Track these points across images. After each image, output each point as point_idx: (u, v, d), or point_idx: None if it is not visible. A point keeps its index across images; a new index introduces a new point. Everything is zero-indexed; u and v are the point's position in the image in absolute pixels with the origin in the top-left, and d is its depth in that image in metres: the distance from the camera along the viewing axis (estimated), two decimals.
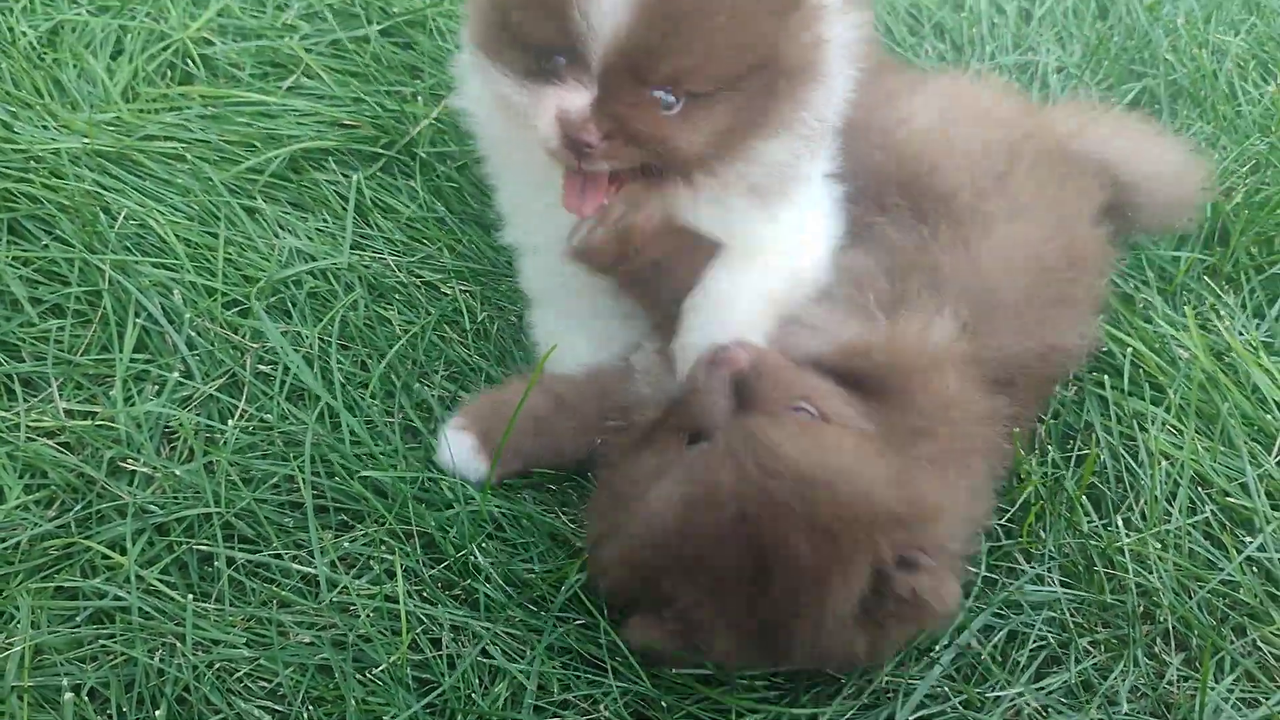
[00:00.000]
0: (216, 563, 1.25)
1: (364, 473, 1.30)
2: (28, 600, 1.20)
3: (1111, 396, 1.44)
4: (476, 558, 1.26)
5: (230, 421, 1.37)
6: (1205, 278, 1.63)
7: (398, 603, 1.21)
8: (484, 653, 1.19)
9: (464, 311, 1.54)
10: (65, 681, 1.15)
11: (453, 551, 1.26)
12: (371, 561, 1.26)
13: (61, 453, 1.33)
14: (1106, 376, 1.45)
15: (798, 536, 1.07)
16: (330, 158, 1.71)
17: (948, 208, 1.35)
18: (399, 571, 1.23)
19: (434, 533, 1.27)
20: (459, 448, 1.32)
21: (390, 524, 1.28)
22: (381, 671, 1.15)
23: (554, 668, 1.20)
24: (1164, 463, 1.37)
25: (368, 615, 1.21)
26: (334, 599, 1.23)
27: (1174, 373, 1.45)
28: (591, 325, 1.42)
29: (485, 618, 1.22)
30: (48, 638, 1.17)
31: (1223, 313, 1.56)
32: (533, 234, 1.40)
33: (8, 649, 1.15)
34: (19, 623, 1.18)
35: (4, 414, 1.35)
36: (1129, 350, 1.46)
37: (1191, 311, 1.52)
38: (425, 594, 1.24)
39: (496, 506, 1.32)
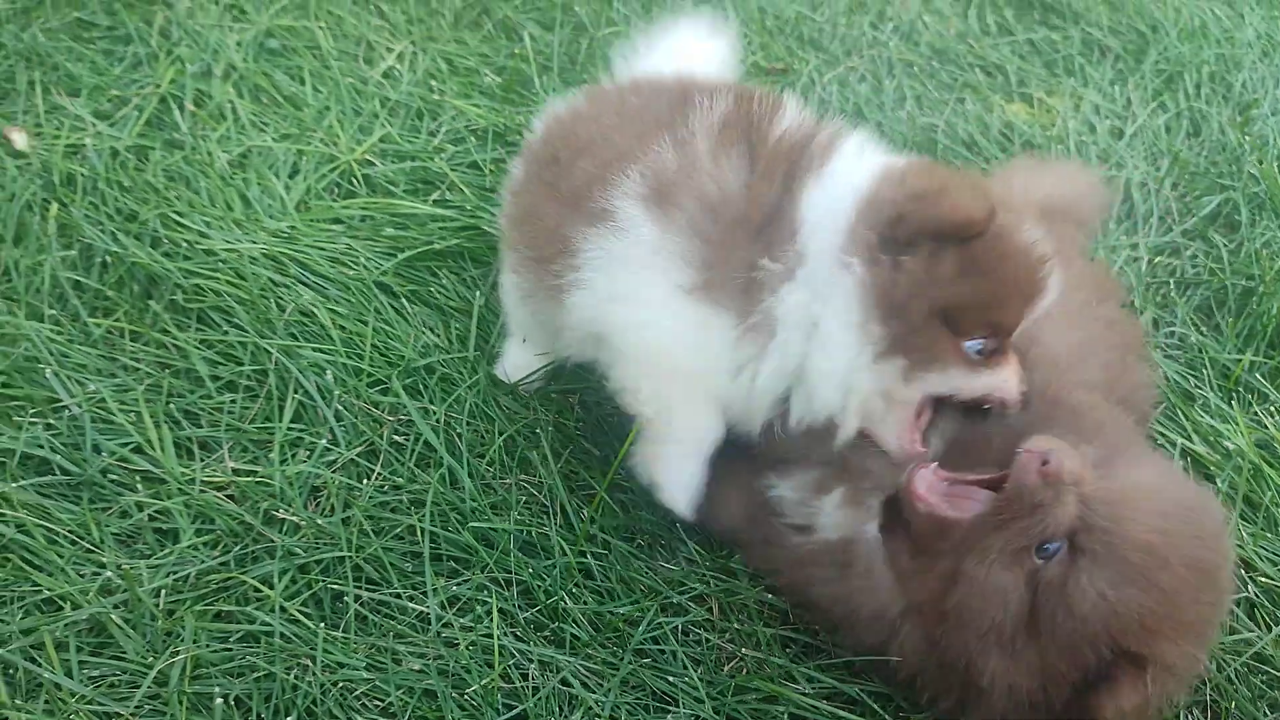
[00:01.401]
0: (346, 599, 1.46)
1: (474, 524, 1.50)
2: (191, 622, 1.43)
3: None
4: (566, 603, 1.43)
5: (366, 481, 1.60)
6: (1259, 376, 1.70)
7: (494, 639, 1.39)
8: (564, 682, 1.36)
9: (570, 409, 1.75)
10: (217, 689, 1.36)
11: (544, 598, 1.44)
12: (475, 603, 1.45)
13: (227, 503, 1.58)
14: None
15: None
16: (466, 259, 1.96)
17: None
18: (495, 613, 1.41)
19: (530, 580, 1.46)
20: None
21: (493, 571, 1.47)
22: (474, 692, 1.33)
23: (627, 700, 1.35)
24: None
25: (467, 648, 1.40)
26: (441, 634, 1.42)
27: (1225, 463, 1.52)
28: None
29: (569, 653, 1.39)
30: (205, 653, 1.40)
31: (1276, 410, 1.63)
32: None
33: (174, 660, 1.38)
34: (183, 640, 1.41)
35: (184, 470, 1.61)
36: (1179, 444, 1.55)
37: (1240, 408, 1.59)
38: (519, 633, 1.42)
39: (590, 558, 1.50)
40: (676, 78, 1.57)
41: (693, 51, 1.71)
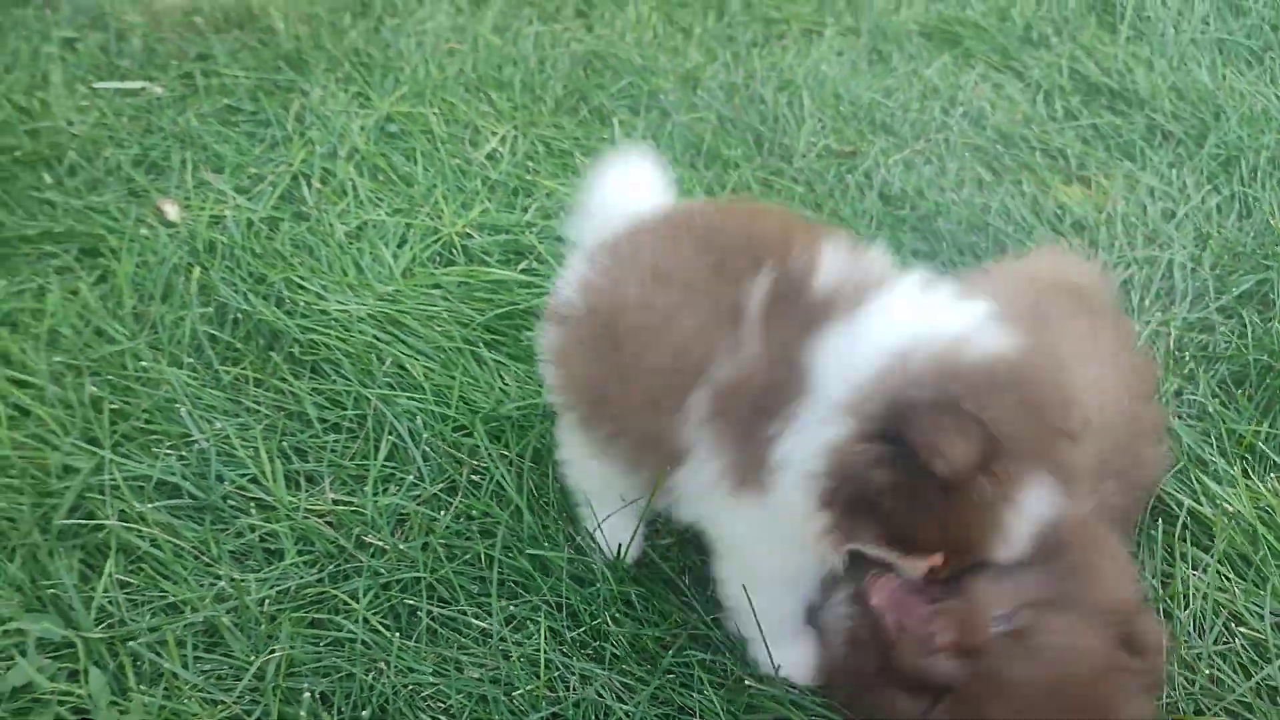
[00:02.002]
0: (419, 614, 1.68)
1: (531, 551, 1.71)
2: (288, 628, 1.66)
3: (1162, 538, 1.63)
4: (608, 625, 1.62)
5: (444, 513, 1.82)
6: (1270, 446, 1.79)
7: (542, 652, 1.59)
8: (599, 693, 1.54)
9: None
10: (306, 686, 1.59)
11: (589, 620, 1.63)
12: (529, 622, 1.65)
13: (326, 528, 1.81)
14: (1161, 520, 1.65)
15: None
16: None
17: None
18: (545, 631, 1.61)
19: (577, 604, 1.65)
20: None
21: (547, 595, 1.67)
22: (521, 697, 1.53)
23: (655, 713, 1.53)
24: (1199, 599, 1.56)
25: (519, 660, 1.59)
26: (499, 647, 1.62)
27: (1227, 524, 1.63)
28: None
29: (606, 668, 1.57)
30: (298, 654, 1.63)
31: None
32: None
33: (271, 658, 1.61)
34: (280, 642, 1.64)
35: (291, 498, 1.86)
36: (1186, 504, 1.66)
37: (1240, 470, 1.69)
38: (565, 649, 1.61)
39: (631, 587, 1.68)
40: (704, 221, 1.47)
41: (635, 183, 1.65)
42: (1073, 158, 2.62)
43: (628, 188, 1.61)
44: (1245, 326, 2.04)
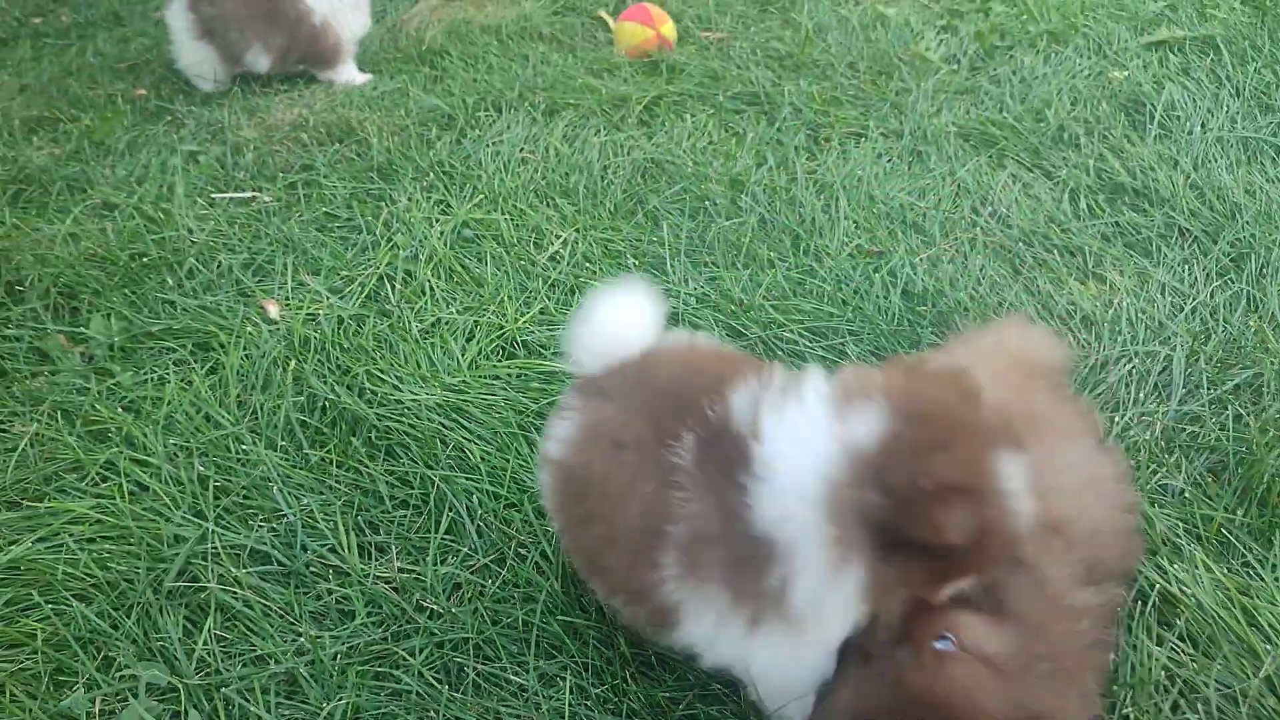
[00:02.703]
0: (466, 669, 1.94)
1: (564, 617, 1.96)
2: (355, 679, 1.93)
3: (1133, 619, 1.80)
4: (627, 684, 1.85)
5: (492, 581, 2.09)
6: (1240, 533, 1.95)
7: (566, 705, 1.83)
8: None
9: None
10: None
11: (610, 679, 1.87)
12: (559, 679, 1.89)
13: (391, 593, 2.09)
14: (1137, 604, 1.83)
15: None
16: None
17: None
18: (569, 688, 1.85)
19: (601, 665, 1.89)
20: None
21: (575, 656, 1.92)
22: None
23: None
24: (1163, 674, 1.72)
25: (548, 712, 1.83)
26: (532, 700, 1.87)
27: (1188, 606, 1.80)
28: None
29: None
30: (362, 702, 1.89)
31: (1250, 559, 1.88)
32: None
33: (339, 705, 1.89)
34: (348, 691, 1.91)
35: (363, 567, 2.14)
36: (1156, 587, 1.83)
37: (1200, 554, 1.85)
38: (589, 704, 1.85)
39: (648, 650, 1.91)
40: (653, 378, 1.64)
41: (625, 319, 1.80)
42: (1090, 255, 2.80)
43: (619, 322, 1.79)
44: (1232, 419, 2.20)
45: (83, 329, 2.82)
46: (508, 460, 2.32)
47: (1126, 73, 3.65)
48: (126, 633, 2.03)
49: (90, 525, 2.23)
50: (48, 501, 2.30)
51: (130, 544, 2.20)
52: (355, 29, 4.33)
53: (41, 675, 1.96)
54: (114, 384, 2.63)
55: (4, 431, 2.52)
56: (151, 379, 2.66)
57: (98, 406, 2.55)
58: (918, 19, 4.38)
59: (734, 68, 4.02)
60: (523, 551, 2.15)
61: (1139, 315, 2.55)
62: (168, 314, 2.87)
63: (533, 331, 2.70)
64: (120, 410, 2.55)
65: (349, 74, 4.32)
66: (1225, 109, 3.37)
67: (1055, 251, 2.84)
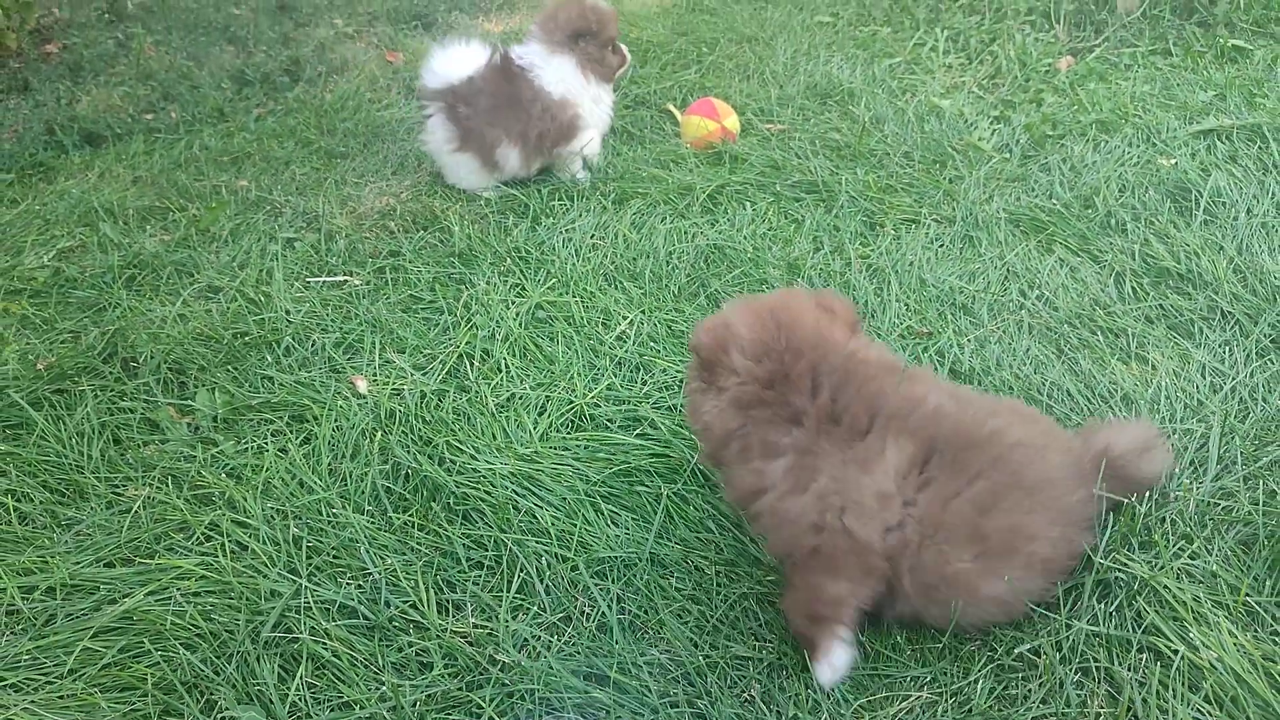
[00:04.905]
0: (533, 716, 2.10)
1: (618, 676, 2.11)
2: None
3: (1155, 685, 1.91)
4: None
5: (558, 639, 2.25)
6: (1269, 603, 2.04)
7: None
8: None
9: (708, 588, 2.34)
10: None
11: None
12: None
13: (467, 647, 2.27)
14: (1159, 667, 1.93)
15: None
16: (654, 475, 2.63)
17: None
18: None
19: (648, 717, 2.04)
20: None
21: (630, 705, 2.07)
22: None
23: None
24: None
25: None
26: None
27: (1211, 674, 1.90)
28: None
29: None
30: None
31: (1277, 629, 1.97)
32: None
33: None
34: None
35: (441, 622, 2.32)
36: (1181, 652, 1.93)
37: (1225, 619, 1.95)
38: None
39: (700, 703, 2.06)
40: None
41: None
42: (1133, 337, 2.93)
43: None
44: (1264, 494, 2.29)
45: (190, 402, 3.08)
46: (575, 525, 2.50)
47: (1174, 161, 3.79)
48: (227, 679, 2.23)
49: (195, 580, 2.45)
50: (158, 559, 2.52)
51: (231, 598, 2.41)
52: (593, 118, 4.33)
53: (151, 716, 2.17)
54: (218, 452, 2.88)
55: (119, 494, 2.77)
56: (251, 448, 2.89)
57: (203, 473, 2.80)
58: (972, 110, 4.57)
59: (794, 158, 4.24)
60: (587, 610, 2.32)
61: (1178, 394, 2.66)
62: (266, 388, 3.12)
63: (600, 406, 2.89)
64: (223, 476, 2.79)
65: (592, 146, 4.33)
66: (1271, 195, 3.49)
67: (1099, 333, 2.97)
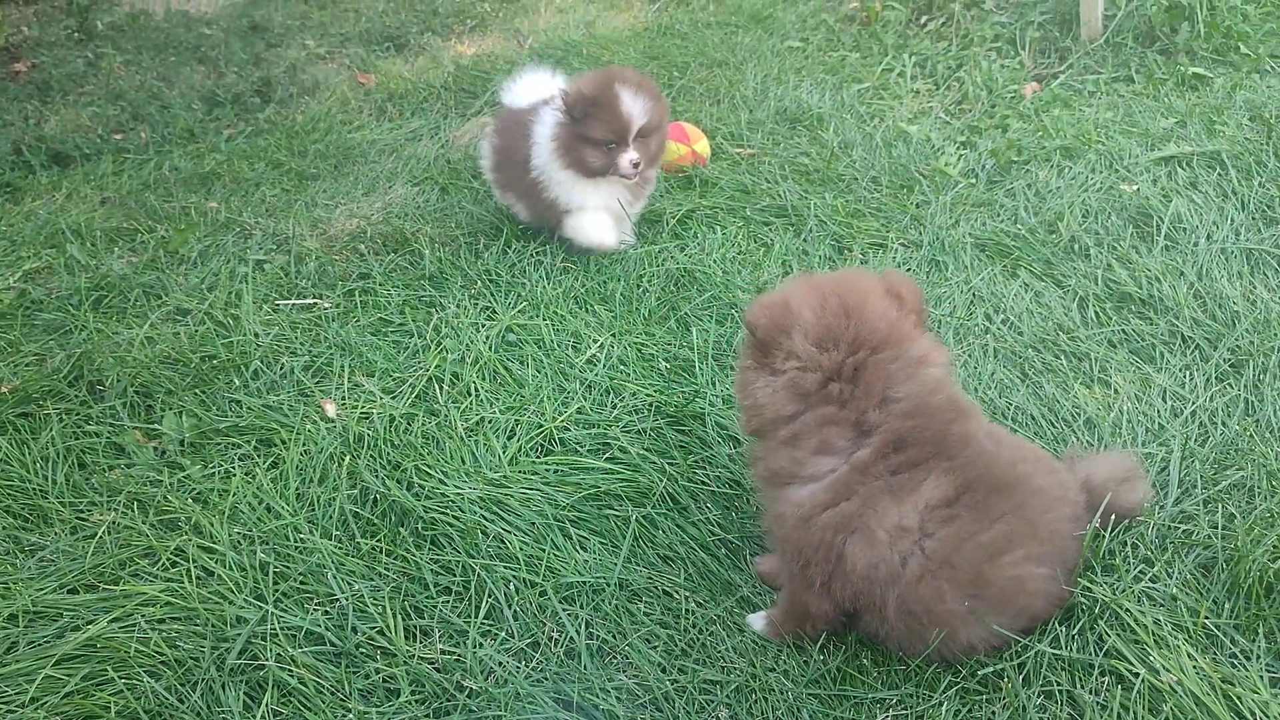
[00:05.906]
0: None
1: (588, 701, 2.11)
2: None
3: (1116, 708, 1.93)
4: None
5: (526, 665, 2.25)
6: (1227, 628, 2.07)
7: None
8: None
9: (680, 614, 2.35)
10: None
11: None
12: None
13: (434, 673, 2.26)
14: (1120, 690, 1.95)
15: None
16: (623, 499, 2.64)
17: None
18: None
19: None
20: None
21: None
22: None
23: None
24: None
25: None
26: None
27: (1170, 697, 1.92)
28: None
29: None
30: None
31: (1235, 651, 2.00)
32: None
33: None
34: None
35: (409, 648, 2.32)
36: (1141, 675, 1.96)
37: (1185, 643, 1.98)
38: None
39: None
40: None
41: None
42: (1096, 361, 2.97)
43: None
44: (1224, 519, 2.33)
45: (157, 425, 3.06)
46: (544, 550, 2.50)
47: (1136, 187, 3.85)
48: (192, 706, 2.21)
49: (161, 607, 2.43)
50: (122, 585, 2.50)
51: (197, 624, 2.39)
52: (577, 201, 3.81)
53: None
54: (184, 477, 2.86)
55: (83, 519, 2.75)
56: (218, 472, 2.88)
57: (169, 497, 2.78)
58: (939, 135, 4.63)
59: (764, 182, 4.27)
60: (554, 635, 2.32)
61: (1140, 418, 2.70)
62: (234, 412, 3.10)
63: (569, 429, 2.90)
64: (190, 501, 2.77)
65: (578, 232, 3.84)
66: (1230, 221, 3.55)
67: (1063, 357, 3.01)
